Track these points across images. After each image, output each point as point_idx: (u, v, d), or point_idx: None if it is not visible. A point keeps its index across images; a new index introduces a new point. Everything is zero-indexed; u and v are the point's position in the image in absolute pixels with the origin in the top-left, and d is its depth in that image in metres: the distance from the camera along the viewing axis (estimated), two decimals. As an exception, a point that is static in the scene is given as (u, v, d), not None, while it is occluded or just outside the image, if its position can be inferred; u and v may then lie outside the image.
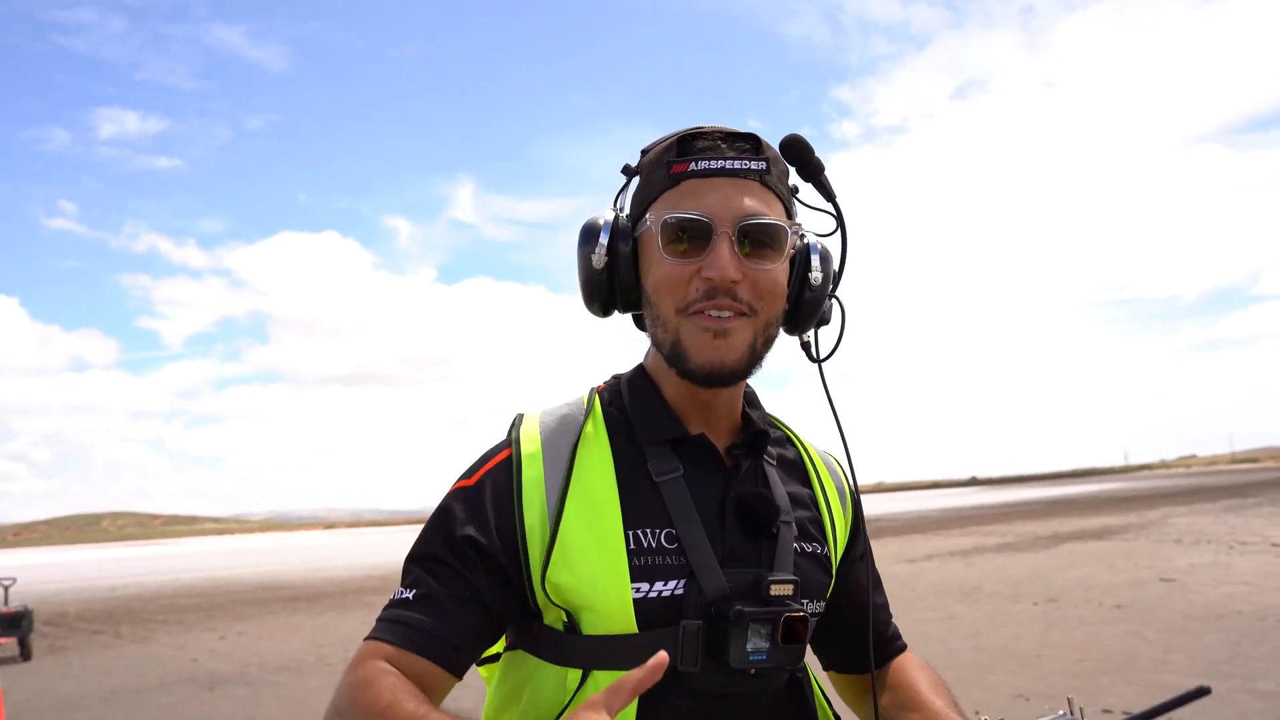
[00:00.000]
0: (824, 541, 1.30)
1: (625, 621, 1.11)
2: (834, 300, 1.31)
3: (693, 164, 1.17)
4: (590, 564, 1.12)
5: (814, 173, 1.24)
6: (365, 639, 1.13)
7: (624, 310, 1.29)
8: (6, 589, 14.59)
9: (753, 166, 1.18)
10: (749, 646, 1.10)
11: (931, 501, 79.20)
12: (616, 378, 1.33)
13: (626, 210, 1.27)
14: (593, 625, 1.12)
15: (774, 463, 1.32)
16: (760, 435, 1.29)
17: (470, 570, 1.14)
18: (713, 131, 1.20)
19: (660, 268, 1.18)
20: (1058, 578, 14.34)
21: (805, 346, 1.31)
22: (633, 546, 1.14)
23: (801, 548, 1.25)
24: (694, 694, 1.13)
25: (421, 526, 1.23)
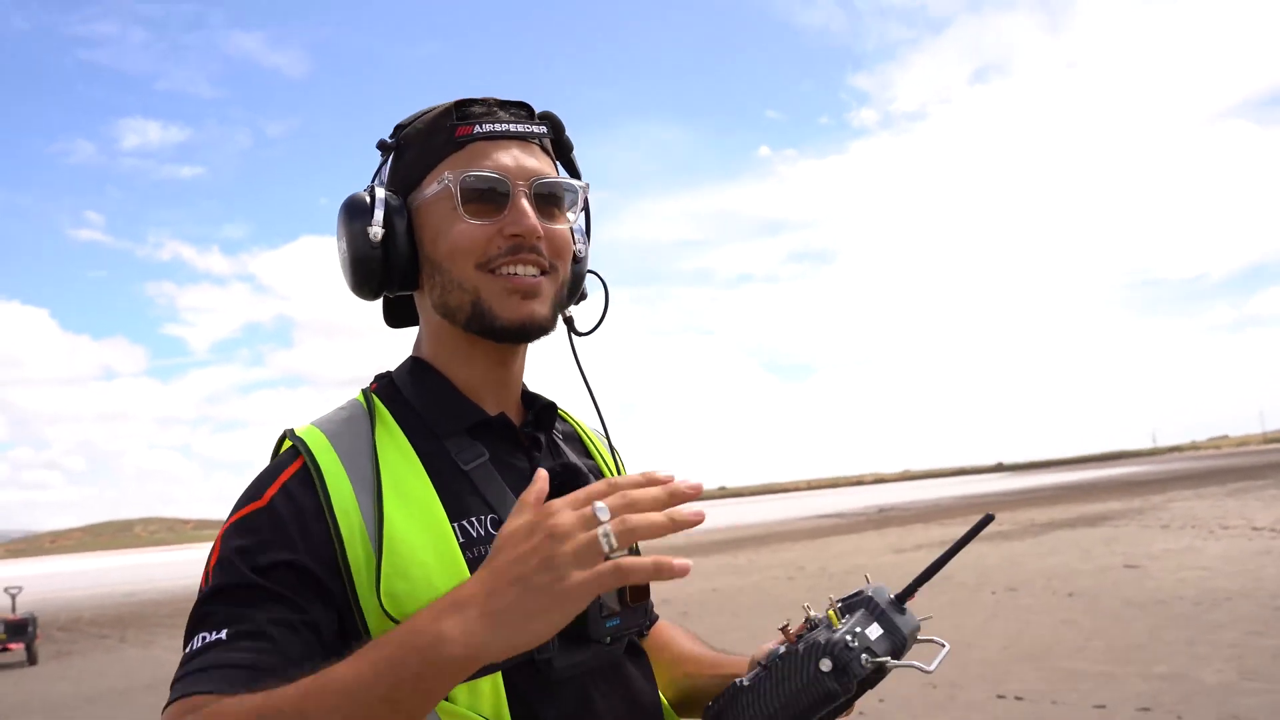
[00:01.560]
0: None
1: None
2: (595, 275, 1.31)
3: (477, 126, 1.15)
4: (426, 564, 1.02)
5: (564, 151, 1.24)
6: (167, 706, 0.92)
7: (397, 290, 1.20)
8: (14, 597, 15.27)
9: (534, 130, 1.18)
10: (603, 613, 1.05)
11: (952, 489, 79.17)
12: (384, 375, 1.25)
13: (382, 185, 1.20)
14: None
15: (560, 437, 1.30)
16: (549, 409, 1.27)
17: (288, 590, 0.98)
18: (486, 99, 1.19)
19: (457, 228, 1.13)
20: (1029, 566, 14.61)
21: (567, 321, 1.27)
22: (462, 539, 1.06)
23: None
24: (559, 680, 1.06)
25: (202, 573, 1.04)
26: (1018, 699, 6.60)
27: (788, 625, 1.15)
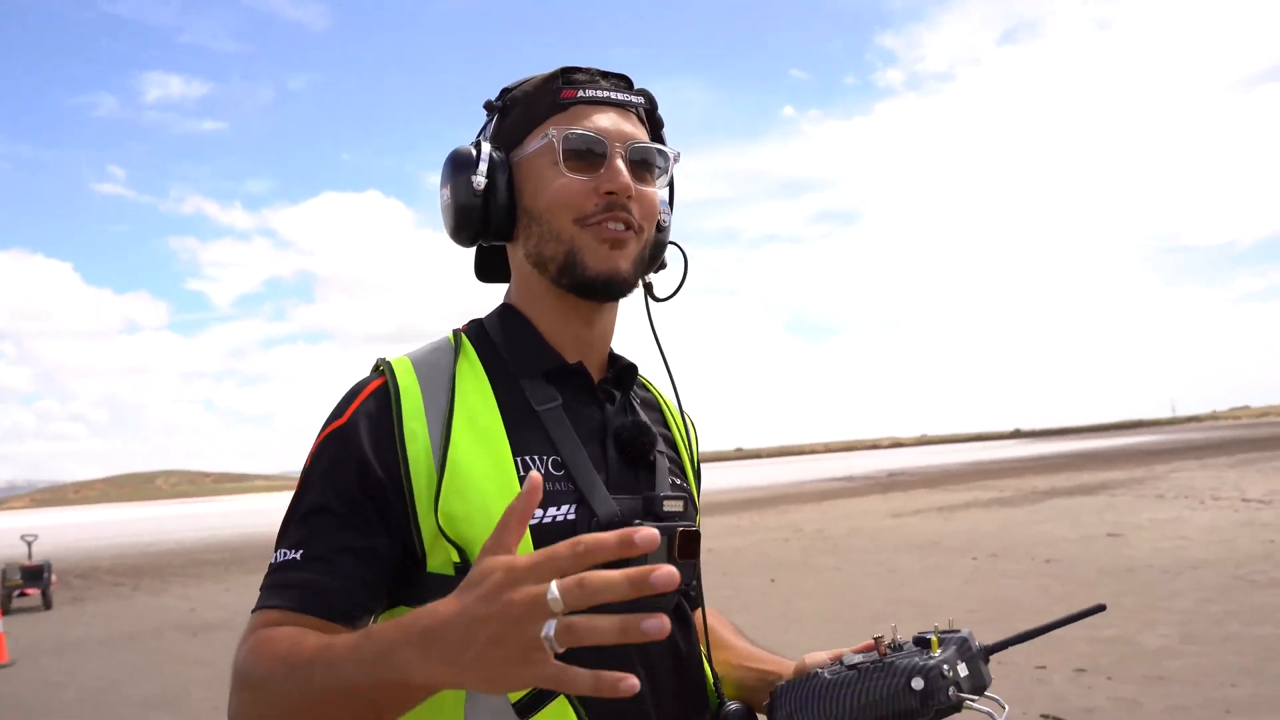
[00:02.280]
0: (685, 480, 1.32)
1: (524, 549, 0.96)
2: (675, 246, 1.34)
3: (581, 91, 1.20)
4: (484, 490, 1.08)
5: (656, 126, 1.29)
6: (252, 611, 1.06)
7: (492, 239, 1.26)
8: (30, 544, 15.81)
9: (633, 99, 1.24)
10: (649, 562, 1.01)
11: (967, 455, 79.23)
12: (476, 321, 1.30)
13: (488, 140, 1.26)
14: None
15: (638, 401, 1.34)
16: (631, 368, 1.31)
17: (357, 517, 1.07)
18: (588, 69, 1.24)
19: (557, 182, 1.18)
20: (1017, 533, 14.89)
21: (647, 287, 1.31)
22: (522, 473, 1.10)
23: (674, 480, 1.26)
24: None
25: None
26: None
27: (882, 638, 1.20)
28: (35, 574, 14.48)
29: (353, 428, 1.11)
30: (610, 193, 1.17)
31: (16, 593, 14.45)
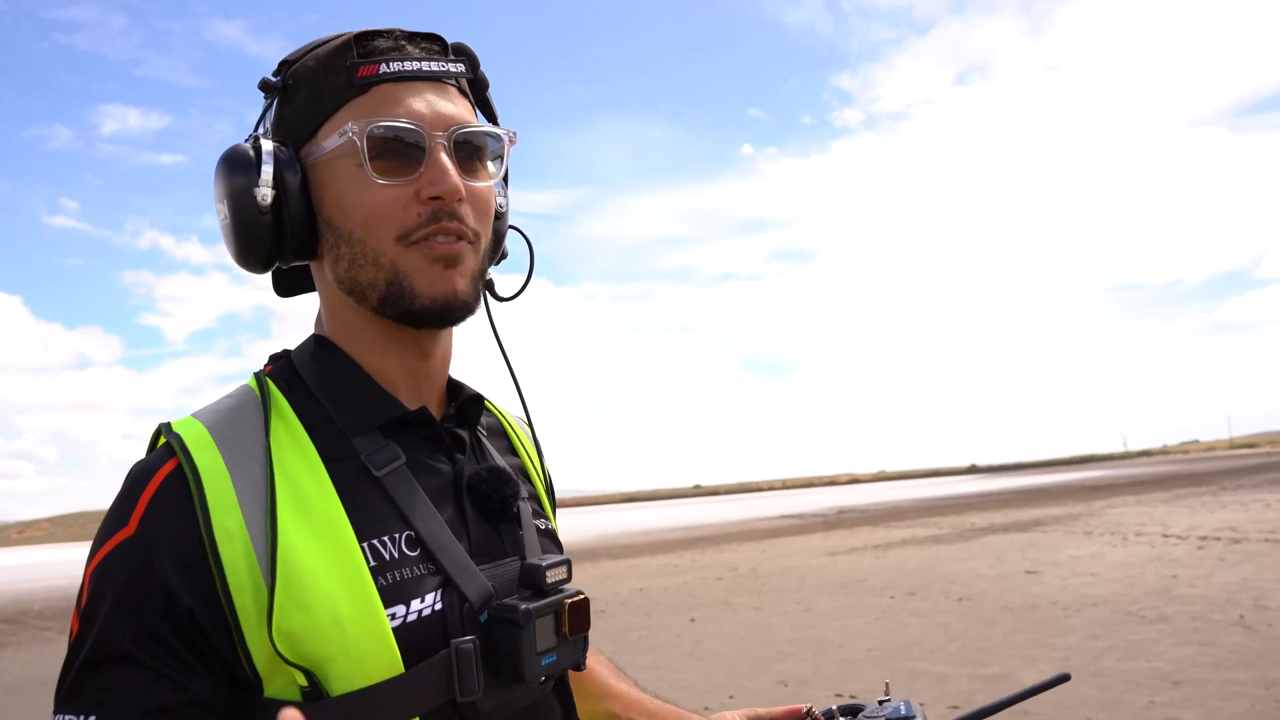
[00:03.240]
0: (545, 515, 1.13)
1: (388, 660, 0.85)
2: (517, 230, 1.13)
3: (383, 66, 0.95)
4: (330, 595, 0.85)
5: (479, 90, 1.04)
6: None
7: (291, 260, 1.00)
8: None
9: (451, 69, 0.99)
10: (539, 649, 0.92)
11: (921, 491, 79.93)
12: (283, 355, 1.05)
13: (268, 135, 1.00)
14: (345, 678, 0.84)
15: (484, 432, 1.12)
16: (474, 401, 1.09)
17: (165, 661, 0.83)
18: (391, 30, 0.99)
19: (368, 192, 0.93)
20: (941, 570, 15.20)
21: (489, 285, 1.10)
22: (373, 563, 0.88)
23: (538, 525, 1.07)
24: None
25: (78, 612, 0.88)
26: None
27: (811, 708, 1.15)
28: (-46, 619, 14.30)
29: (145, 538, 0.85)
30: (435, 198, 0.93)
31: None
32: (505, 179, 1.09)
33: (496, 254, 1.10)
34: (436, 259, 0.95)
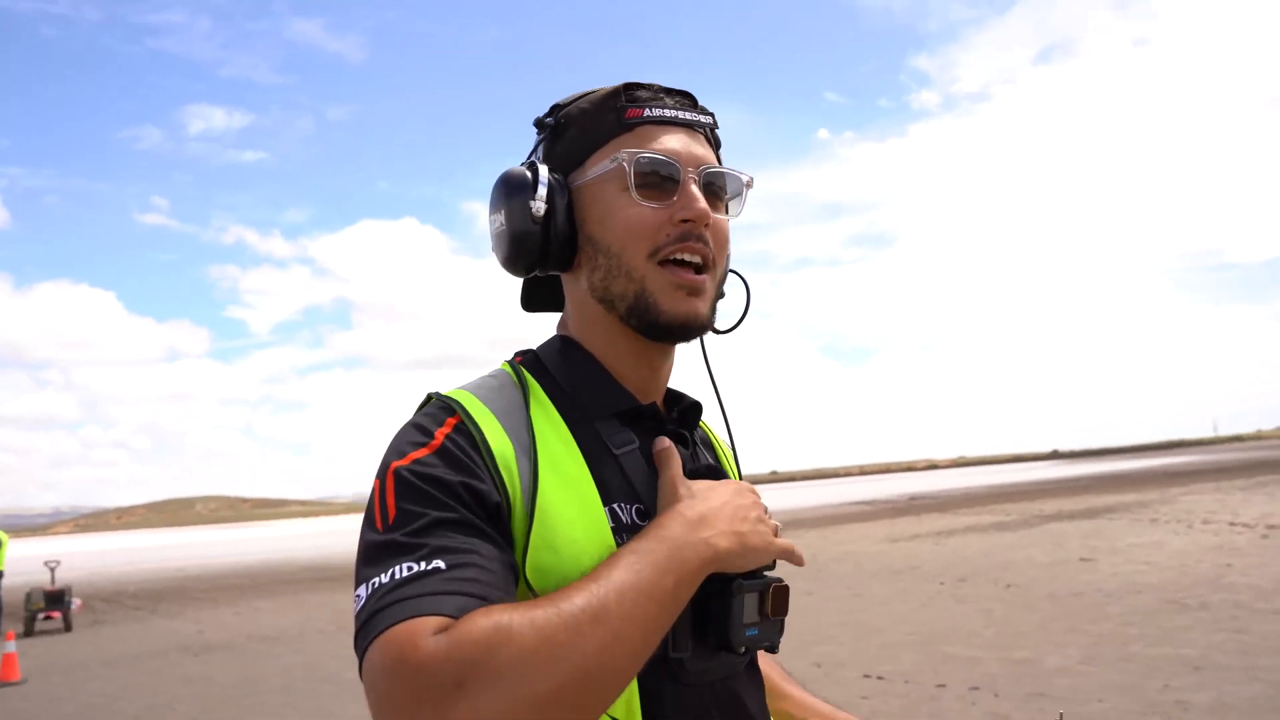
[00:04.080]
0: None
1: None
2: (735, 274, 1.25)
3: (647, 110, 1.12)
4: (576, 543, 0.97)
5: (715, 129, 1.21)
6: (372, 638, 0.84)
7: (550, 268, 1.16)
8: (53, 570, 16.75)
9: (701, 119, 1.16)
10: (745, 620, 1.01)
11: (999, 477, 78.79)
12: (528, 352, 1.19)
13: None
14: None
15: (697, 439, 1.26)
16: (695, 408, 1.24)
17: (488, 529, 0.94)
18: (652, 84, 1.16)
19: (629, 210, 1.09)
20: (997, 557, 15.28)
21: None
22: (613, 524, 1.02)
23: None
24: (687, 684, 1.02)
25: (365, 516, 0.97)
26: (879, 678, 7.45)
27: None
28: (57, 598, 15.36)
29: (446, 453, 0.97)
30: (686, 220, 1.09)
31: (40, 616, 15.34)
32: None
33: (721, 287, 1.20)
34: (681, 286, 1.10)
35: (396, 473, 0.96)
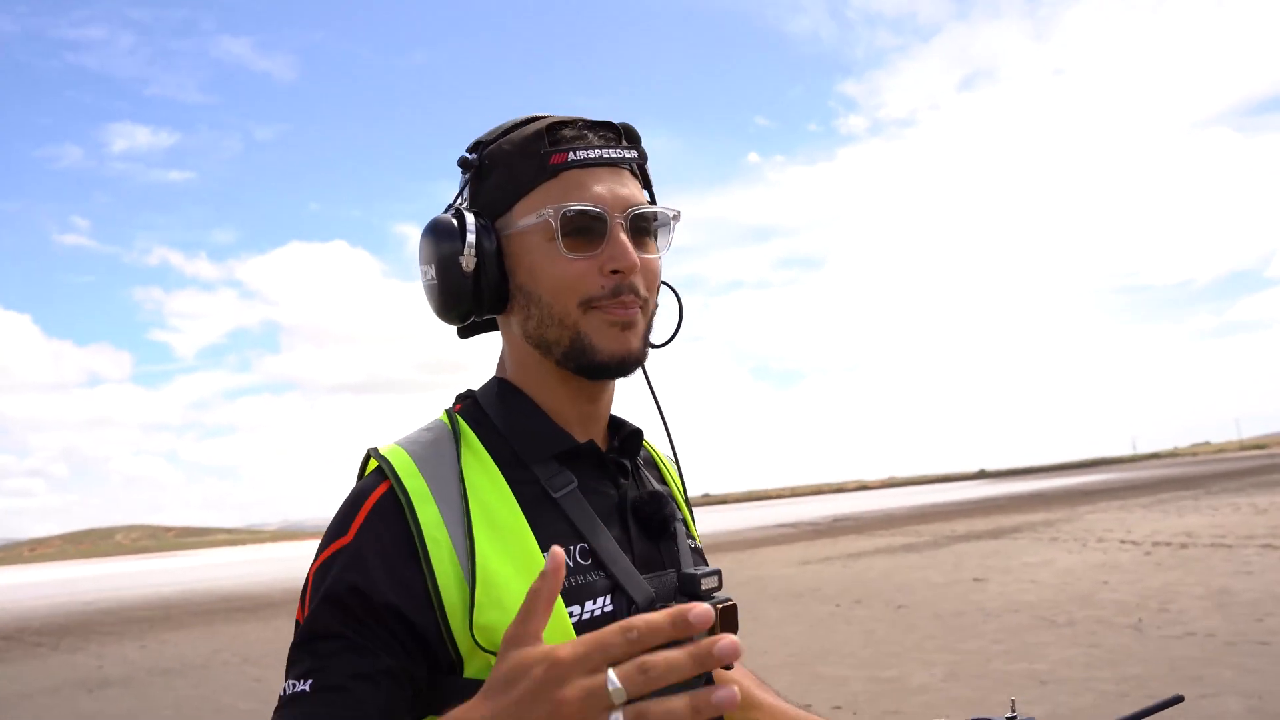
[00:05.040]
0: (693, 537, 1.30)
1: None
2: (667, 286, 1.27)
3: (571, 154, 1.12)
4: (520, 594, 0.98)
5: (642, 162, 1.21)
6: None
7: (484, 314, 1.19)
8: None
9: (626, 155, 1.16)
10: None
11: (925, 497, 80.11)
12: (468, 395, 1.23)
13: (466, 206, 1.18)
14: None
15: (641, 462, 1.29)
16: (635, 435, 1.26)
17: (370, 640, 1.00)
18: (575, 120, 1.17)
19: (558, 264, 1.11)
20: (897, 579, 15.75)
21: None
22: None
23: (690, 544, 1.22)
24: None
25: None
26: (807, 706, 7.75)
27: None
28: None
29: (362, 545, 1.04)
30: (616, 271, 1.11)
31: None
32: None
33: (653, 318, 1.23)
34: (614, 323, 1.12)
35: (314, 572, 1.06)
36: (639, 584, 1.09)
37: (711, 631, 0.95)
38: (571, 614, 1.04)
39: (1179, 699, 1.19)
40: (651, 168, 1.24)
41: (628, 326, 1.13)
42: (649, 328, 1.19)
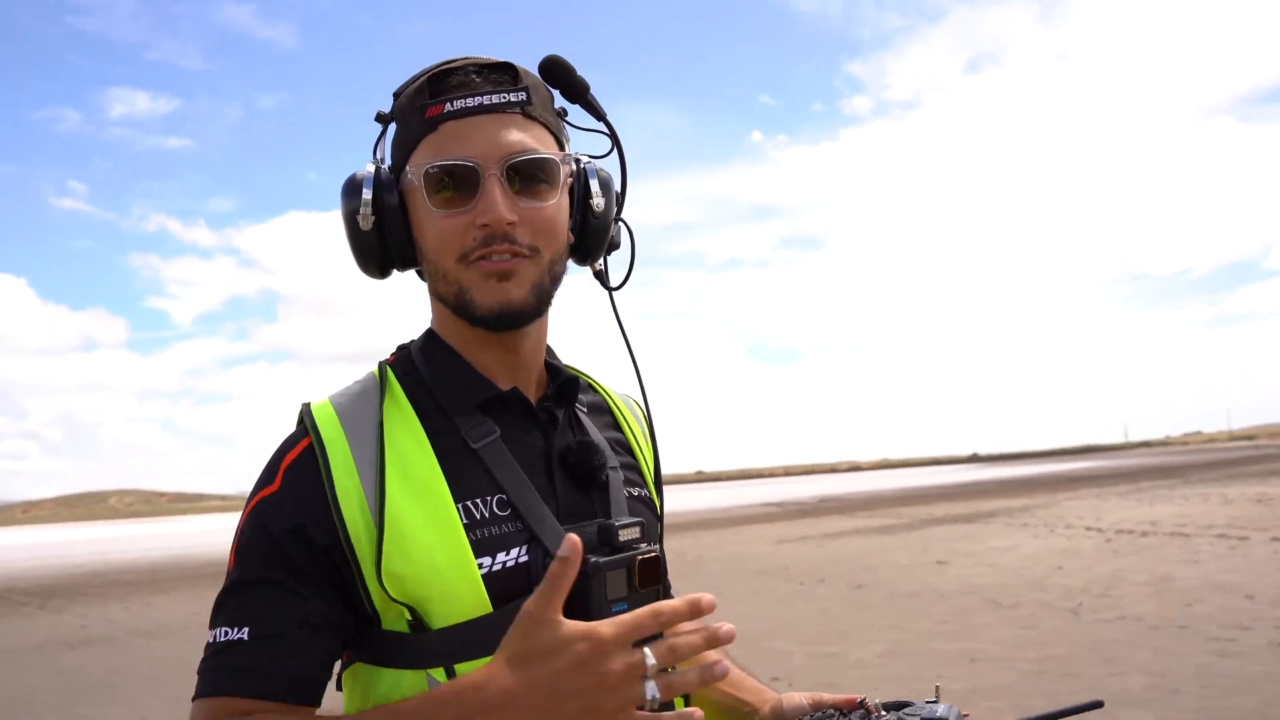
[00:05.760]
0: (644, 484, 1.28)
1: (477, 602, 1.02)
2: (620, 224, 1.25)
3: (448, 105, 1.10)
4: (428, 545, 1.02)
5: (579, 93, 1.18)
6: (194, 699, 1.01)
7: (402, 268, 1.20)
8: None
9: (511, 98, 1.11)
10: (610, 597, 1.00)
11: (915, 479, 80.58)
12: (404, 348, 1.23)
13: (388, 161, 1.17)
14: (443, 615, 1.02)
15: (585, 410, 1.28)
16: (570, 383, 1.24)
17: (301, 586, 1.02)
18: (465, 65, 1.13)
19: (431, 222, 1.11)
20: (865, 560, 16.13)
21: (599, 275, 1.25)
22: (466, 520, 1.05)
23: (630, 492, 1.21)
24: None
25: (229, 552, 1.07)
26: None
27: (867, 699, 1.20)
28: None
29: (284, 492, 1.06)
30: (485, 225, 1.09)
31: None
32: (624, 176, 1.23)
33: (588, 253, 1.22)
34: (490, 274, 1.10)
35: (244, 520, 1.08)
36: (556, 534, 1.07)
37: (631, 587, 1.02)
38: (481, 565, 1.04)
39: (1098, 704, 1.17)
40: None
41: (505, 277, 1.11)
42: (550, 278, 1.15)
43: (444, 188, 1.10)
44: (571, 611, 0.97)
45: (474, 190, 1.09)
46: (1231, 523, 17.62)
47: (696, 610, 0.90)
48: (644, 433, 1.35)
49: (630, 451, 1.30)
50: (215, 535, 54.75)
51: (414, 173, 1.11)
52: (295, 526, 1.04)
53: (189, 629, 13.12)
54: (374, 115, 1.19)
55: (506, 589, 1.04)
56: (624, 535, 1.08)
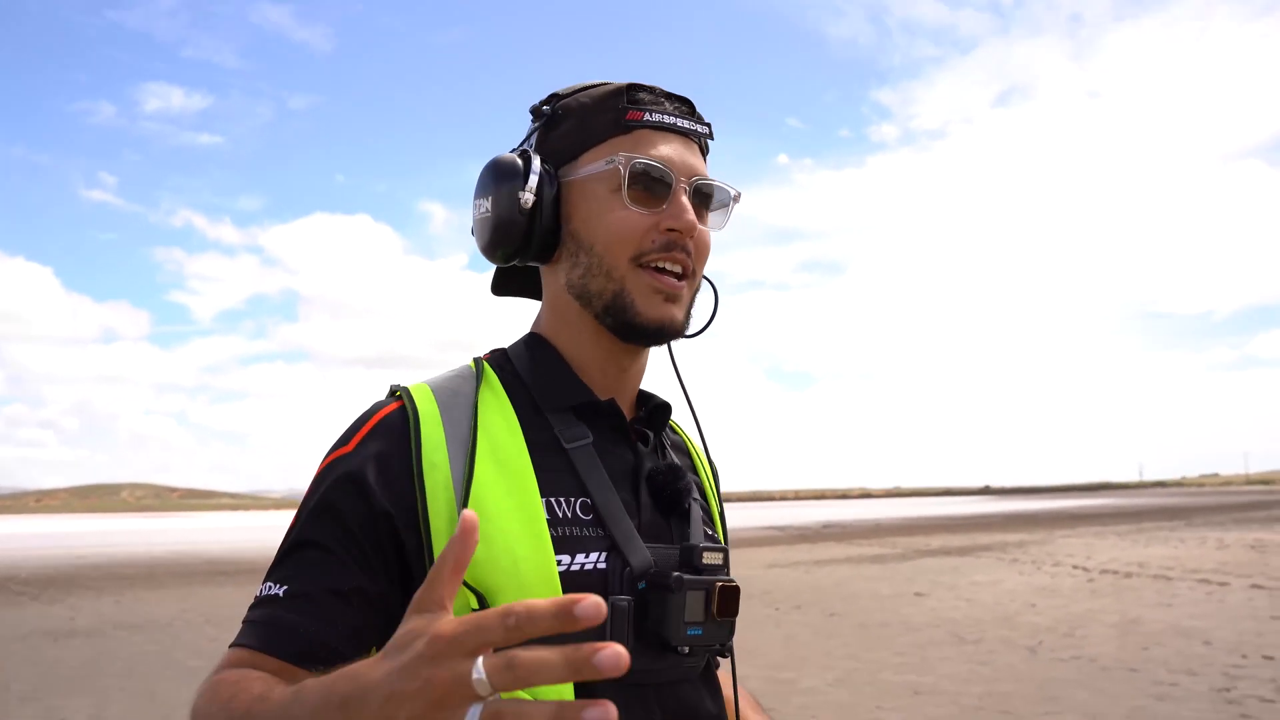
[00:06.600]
0: (715, 529, 1.27)
1: (550, 596, 0.94)
2: (706, 280, 1.25)
3: (648, 114, 1.13)
4: (510, 533, 1.00)
5: (709, 139, 1.22)
6: (230, 646, 0.99)
7: (530, 259, 1.17)
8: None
9: (699, 129, 1.17)
10: (687, 619, 0.99)
11: (923, 509, 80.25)
12: (500, 350, 1.23)
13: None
14: None
15: (668, 443, 1.28)
16: (663, 408, 1.24)
17: (354, 557, 1.00)
18: (654, 88, 1.16)
19: (617, 213, 1.11)
20: (846, 588, 16.21)
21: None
22: (548, 516, 1.03)
23: (706, 530, 1.20)
24: (629, 684, 0.98)
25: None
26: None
27: None
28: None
29: (360, 458, 1.04)
30: (672, 229, 1.11)
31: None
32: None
33: (695, 296, 1.22)
34: (659, 291, 1.12)
35: (315, 478, 1.06)
36: (639, 548, 1.06)
37: (708, 614, 0.97)
38: (560, 563, 1.02)
39: None
40: (709, 152, 1.25)
41: (671, 299, 1.13)
42: (691, 303, 1.19)
43: (637, 185, 1.12)
44: (649, 630, 0.98)
45: (664, 196, 1.12)
46: (1219, 568, 17.60)
47: (565, 616, 0.63)
48: (713, 485, 1.36)
49: (705, 497, 1.30)
50: (220, 534, 55.09)
51: (620, 161, 1.12)
52: (360, 495, 1.02)
53: (174, 625, 13.35)
54: (529, 107, 1.22)
55: (581, 591, 0.90)
56: (708, 559, 1.07)
